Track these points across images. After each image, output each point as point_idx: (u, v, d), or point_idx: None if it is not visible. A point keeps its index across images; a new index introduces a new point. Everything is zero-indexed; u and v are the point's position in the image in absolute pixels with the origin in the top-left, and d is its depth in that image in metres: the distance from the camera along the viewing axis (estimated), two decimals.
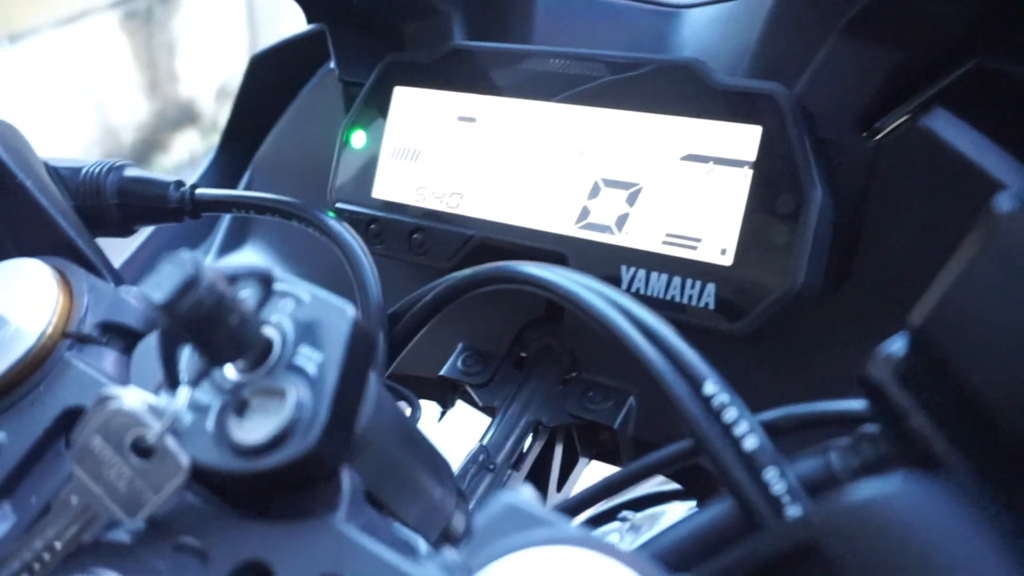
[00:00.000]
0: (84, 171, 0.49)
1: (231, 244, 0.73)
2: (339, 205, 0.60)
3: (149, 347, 0.32)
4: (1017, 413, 0.23)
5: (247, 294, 0.30)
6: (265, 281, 0.30)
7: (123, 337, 0.38)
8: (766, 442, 0.29)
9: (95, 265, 0.43)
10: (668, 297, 0.48)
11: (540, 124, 0.54)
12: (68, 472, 0.30)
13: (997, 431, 0.23)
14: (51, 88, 2.94)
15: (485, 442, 0.53)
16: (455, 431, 0.62)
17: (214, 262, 0.72)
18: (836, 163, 0.47)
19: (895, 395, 0.26)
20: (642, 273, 0.49)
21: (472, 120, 0.56)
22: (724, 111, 0.48)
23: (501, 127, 0.55)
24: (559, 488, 0.58)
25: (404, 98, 0.59)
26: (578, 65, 0.53)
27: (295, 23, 0.67)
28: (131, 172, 0.50)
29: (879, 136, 0.46)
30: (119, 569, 0.29)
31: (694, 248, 0.48)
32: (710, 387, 0.31)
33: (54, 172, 0.48)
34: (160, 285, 0.26)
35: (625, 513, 0.79)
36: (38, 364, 0.35)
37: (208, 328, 0.27)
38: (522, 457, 0.54)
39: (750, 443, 0.29)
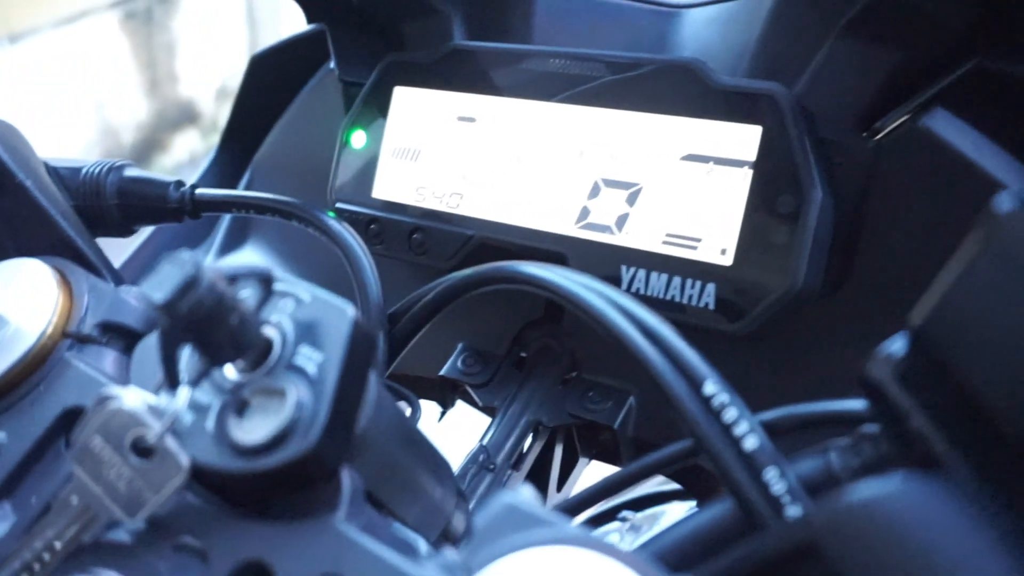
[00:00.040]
0: (84, 171, 0.49)
1: (231, 244, 0.73)
2: (339, 205, 0.61)
3: (149, 347, 0.32)
4: (1017, 413, 0.23)
5: (247, 294, 0.30)
6: (265, 281, 0.30)
7: (123, 337, 0.38)
8: (766, 442, 0.29)
9: (95, 265, 0.43)
10: (668, 297, 0.48)
11: (540, 124, 0.54)
12: (68, 472, 0.30)
13: (997, 431, 0.23)
14: (51, 88, 2.94)
15: (485, 442, 0.53)
16: (455, 431, 0.62)
17: (214, 262, 0.72)
18: (836, 163, 0.47)
19: (895, 395, 0.26)
20: (642, 273, 0.49)
21: (472, 120, 0.56)
22: (724, 111, 0.48)
23: (501, 127, 0.55)
24: (559, 488, 0.58)
25: (404, 98, 0.59)
26: (578, 65, 0.53)
27: (295, 23, 0.67)
28: (131, 172, 0.50)
29: (879, 136, 0.46)
30: (119, 569, 0.29)
31: (694, 248, 0.48)
32: (710, 387, 0.31)
33: (54, 172, 0.48)
34: (160, 285, 0.26)
35: (625, 513, 0.79)
36: (38, 364, 0.35)
37: (208, 328, 0.27)
38: (522, 457, 0.54)
39: (750, 443, 0.29)
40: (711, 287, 0.47)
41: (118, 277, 0.43)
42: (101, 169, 0.49)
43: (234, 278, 0.30)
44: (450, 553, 0.27)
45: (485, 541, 0.26)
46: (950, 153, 0.44)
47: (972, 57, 0.44)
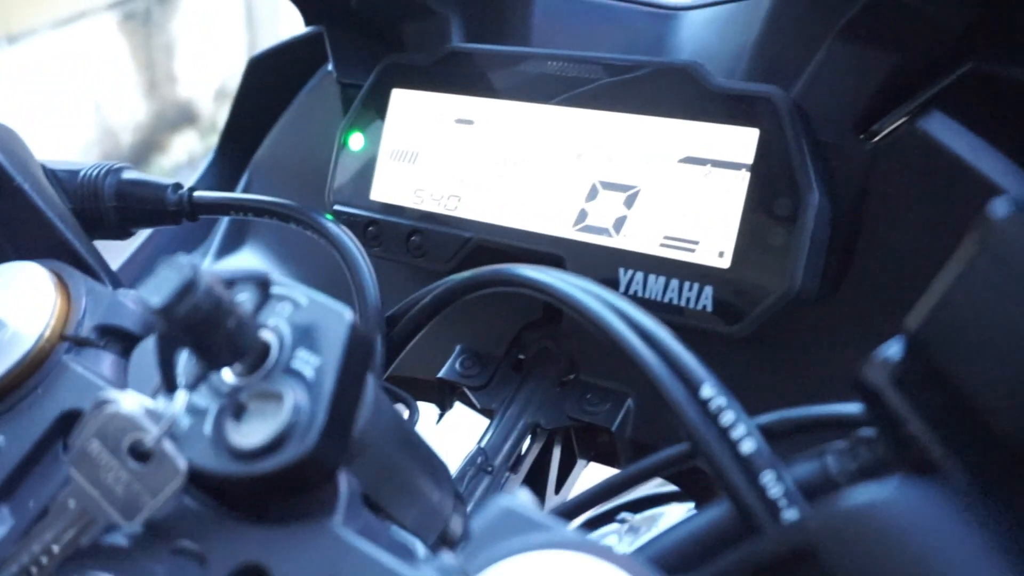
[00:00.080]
0: (82, 174, 0.49)
1: (229, 246, 0.73)
2: (337, 207, 0.61)
3: (147, 350, 0.32)
4: (1013, 417, 0.23)
5: (244, 298, 0.30)
6: (262, 285, 0.30)
7: (121, 340, 0.38)
8: (763, 446, 0.29)
9: (93, 268, 0.43)
10: (666, 300, 0.48)
11: (538, 127, 0.54)
12: (66, 475, 0.30)
13: (993, 435, 0.23)
14: (50, 89, 2.94)
15: (483, 444, 0.53)
16: (453, 433, 0.62)
17: (212, 264, 0.72)
18: (833, 166, 0.47)
19: (891, 399, 0.26)
20: (640, 276, 0.49)
21: (470, 122, 0.56)
22: (722, 114, 0.48)
23: (499, 129, 0.55)
24: (557, 490, 0.58)
25: (402, 100, 0.59)
26: (576, 67, 0.53)
27: (294, 24, 0.67)
28: (129, 175, 0.50)
29: (876, 139, 0.46)
30: (117, 573, 0.29)
31: (692, 251, 0.48)
32: (707, 390, 0.31)
33: (52, 175, 0.48)
34: (158, 289, 0.26)
35: (624, 515, 0.79)
36: (36, 367, 0.35)
37: (205, 332, 0.27)
38: (520, 459, 0.54)
39: (747, 446, 0.29)
40: (709, 289, 0.47)
41: (116, 280, 0.43)
42: (99, 172, 0.49)
43: (231, 282, 0.30)
44: (447, 556, 0.27)
45: (482, 545, 0.26)
46: (947, 156, 0.44)
47: (969, 60, 0.44)
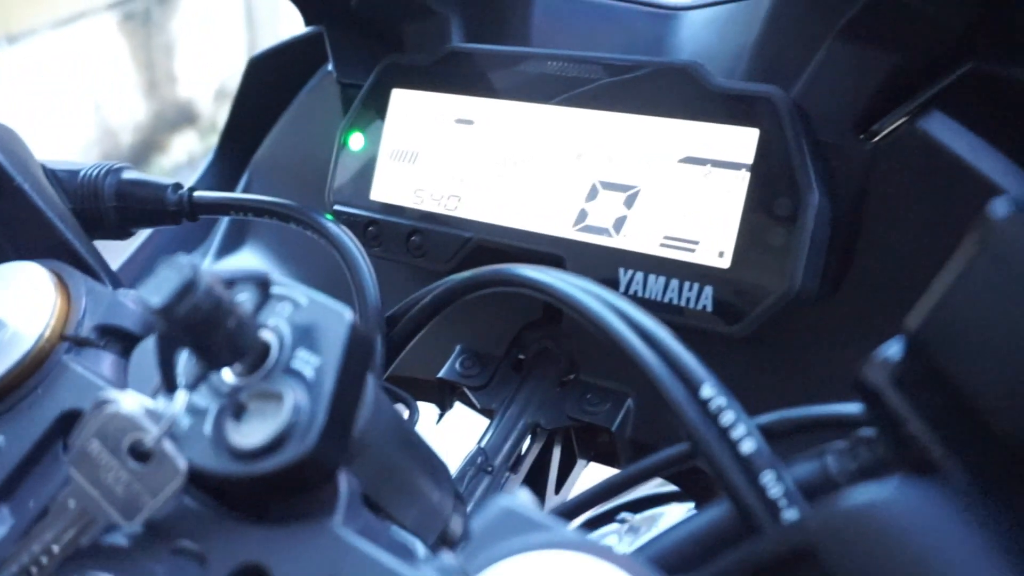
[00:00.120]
0: (82, 174, 0.49)
1: (229, 246, 0.73)
2: (337, 207, 0.61)
3: (147, 350, 0.32)
4: (1012, 418, 0.23)
5: (244, 298, 0.30)
6: (262, 285, 0.30)
7: (121, 340, 0.38)
8: (763, 446, 0.29)
9: (93, 268, 0.43)
10: (666, 300, 0.48)
11: (538, 127, 0.54)
12: (66, 475, 0.30)
13: (993, 436, 0.23)
14: (49, 89, 2.94)
15: (483, 444, 0.53)
16: (453, 433, 0.62)
17: (212, 264, 0.72)
18: (833, 166, 0.47)
19: (891, 400, 0.26)
20: (640, 276, 0.49)
21: (470, 122, 0.56)
22: (722, 114, 0.48)
23: (499, 129, 0.55)
24: (557, 490, 0.58)
25: (402, 100, 0.59)
26: (576, 67, 0.53)
27: (294, 24, 0.67)
28: (129, 175, 0.50)
29: (876, 139, 0.46)
30: (117, 573, 0.29)
31: (692, 251, 0.48)
32: (707, 390, 0.31)
33: (52, 175, 0.48)
34: (158, 289, 0.26)
35: (624, 514, 0.79)
36: (36, 367, 0.35)
37: (205, 332, 0.27)
38: (520, 459, 0.54)
39: (747, 447, 0.29)
40: (709, 289, 0.47)
41: (116, 280, 0.43)
42: (99, 172, 0.49)
43: (231, 282, 0.30)
44: (447, 557, 0.27)
45: (482, 545, 0.26)
46: (947, 156, 0.44)
47: (969, 60, 0.44)
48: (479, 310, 0.50)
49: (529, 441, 0.55)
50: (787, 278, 0.45)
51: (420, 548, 0.31)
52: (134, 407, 0.29)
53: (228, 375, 0.29)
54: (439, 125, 0.58)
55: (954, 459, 0.24)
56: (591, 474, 0.56)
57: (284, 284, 0.30)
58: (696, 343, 0.33)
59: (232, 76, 3.39)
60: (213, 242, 0.73)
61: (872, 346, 0.28)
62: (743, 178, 0.47)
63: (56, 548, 0.29)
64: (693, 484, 0.58)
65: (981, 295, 0.24)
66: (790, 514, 0.28)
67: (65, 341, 0.36)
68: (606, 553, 0.24)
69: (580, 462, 0.59)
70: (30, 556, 0.29)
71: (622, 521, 0.78)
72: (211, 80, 3.56)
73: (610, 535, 0.77)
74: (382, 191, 0.59)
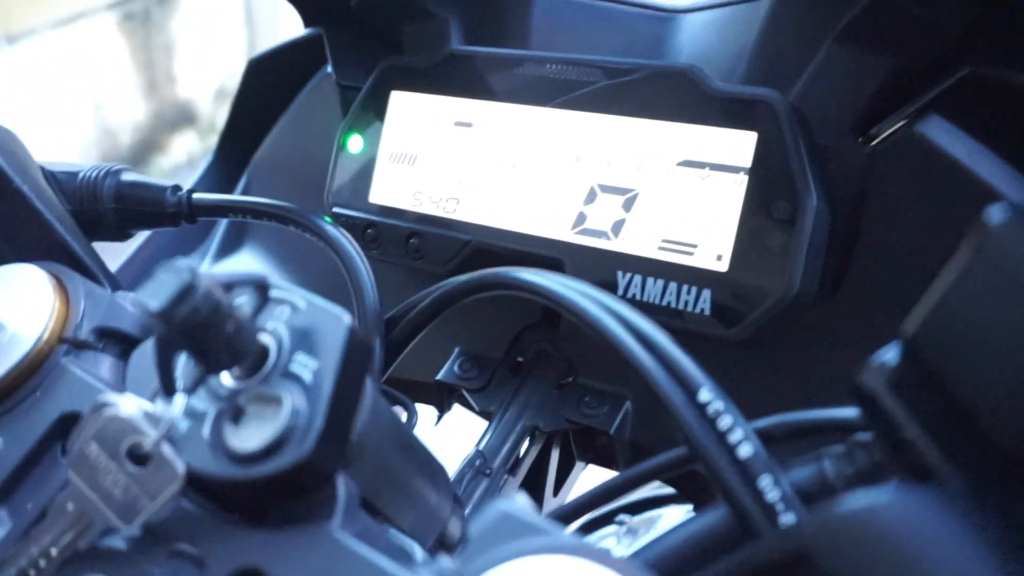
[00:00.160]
0: (81, 175, 0.49)
1: (228, 248, 0.73)
2: (336, 210, 0.61)
3: (145, 353, 0.32)
4: (1009, 423, 0.23)
5: (243, 301, 0.30)
6: (261, 288, 0.30)
7: (119, 343, 0.38)
8: (760, 450, 0.29)
9: (92, 270, 0.43)
10: (664, 303, 0.48)
11: (536, 129, 0.54)
12: (64, 478, 0.30)
13: (989, 441, 0.24)
14: (49, 89, 2.94)
15: (481, 447, 0.53)
16: (451, 436, 0.62)
17: (211, 266, 0.72)
18: (832, 169, 0.47)
19: (888, 405, 0.26)
20: (638, 279, 0.49)
21: (469, 125, 0.57)
22: (720, 117, 0.48)
23: (498, 132, 0.55)
24: (555, 493, 0.58)
25: (401, 102, 0.59)
26: (575, 70, 0.53)
27: (294, 25, 0.67)
28: (128, 176, 0.50)
29: (874, 142, 0.46)
30: (114, 575, 0.29)
31: (690, 254, 0.48)
32: (705, 394, 0.31)
33: (51, 176, 0.48)
34: (156, 293, 0.26)
35: (622, 517, 0.79)
36: (34, 369, 0.35)
37: (204, 335, 0.27)
38: (518, 462, 0.54)
39: (744, 451, 0.29)
40: (707, 293, 0.47)
41: (115, 282, 0.43)
42: (98, 173, 0.49)
43: (230, 285, 0.30)
44: (445, 560, 0.27)
45: (480, 549, 0.26)
46: (944, 159, 0.44)
47: (967, 64, 0.44)
48: (478, 313, 0.50)
49: (527, 443, 0.55)
50: (785, 281, 0.45)
51: (418, 551, 0.31)
52: (133, 410, 0.29)
53: (226, 379, 0.29)
54: (438, 127, 0.58)
55: (950, 464, 0.24)
56: (589, 476, 0.56)
57: (282, 287, 0.31)
58: (694, 346, 0.33)
59: (232, 76, 3.39)
60: (212, 244, 0.73)
61: (870, 349, 0.28)
62: (741, 181, 0.47)
63: (54, 551, 0.29)
64: (691, 486, 0.58)
65: (977, 301, 0.24)
66: (787, 518, 0.28)
67: (64, 343, 0.36)
68: (603, 557, 0.24)
69: (578, 464, 0.59)
70: (28, 559, 0.29)
71: (620, 523, 0.78)
72: (211, 80, 3.56)
73: (608, 537, 0.77)
74: (381, 193, 0.59)
